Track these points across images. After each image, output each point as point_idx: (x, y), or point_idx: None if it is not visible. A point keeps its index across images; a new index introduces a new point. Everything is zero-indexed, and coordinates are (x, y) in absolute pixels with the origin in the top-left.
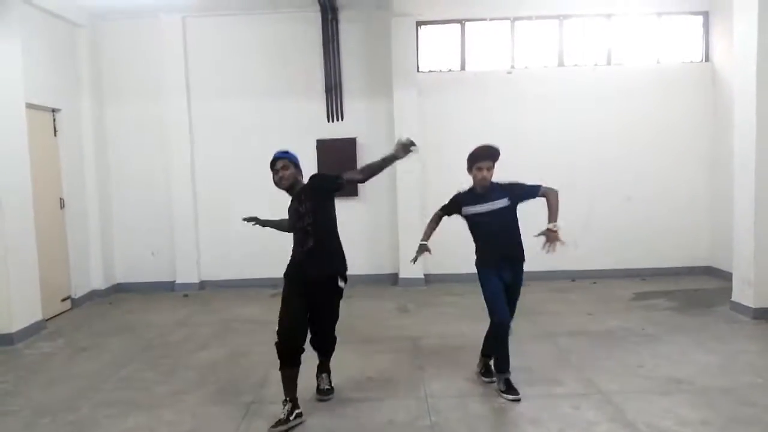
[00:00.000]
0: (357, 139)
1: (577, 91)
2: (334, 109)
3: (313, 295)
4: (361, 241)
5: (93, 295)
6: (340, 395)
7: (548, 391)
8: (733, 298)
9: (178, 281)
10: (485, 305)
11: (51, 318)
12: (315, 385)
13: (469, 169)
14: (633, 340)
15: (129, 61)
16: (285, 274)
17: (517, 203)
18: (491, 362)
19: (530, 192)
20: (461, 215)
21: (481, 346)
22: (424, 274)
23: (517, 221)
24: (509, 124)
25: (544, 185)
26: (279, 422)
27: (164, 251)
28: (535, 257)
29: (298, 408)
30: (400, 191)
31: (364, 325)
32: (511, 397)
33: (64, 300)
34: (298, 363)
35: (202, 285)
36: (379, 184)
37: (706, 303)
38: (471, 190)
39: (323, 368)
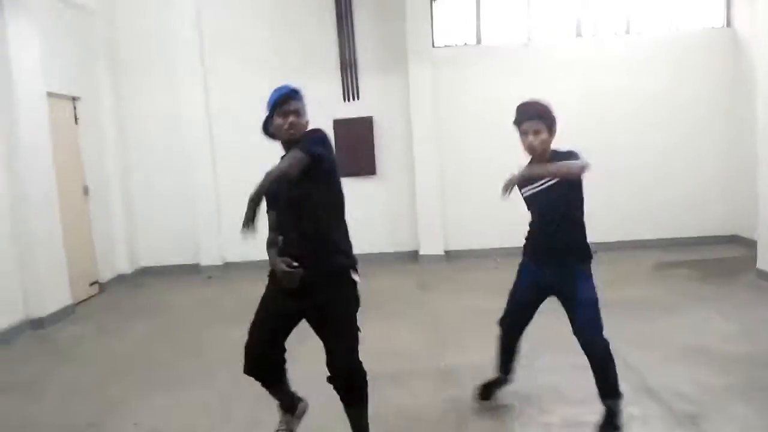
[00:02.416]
0: (373, 117)
1: (596, 61)
2: (350, 88)
3: (308, 298)
4: (380, 219)
5: (120, 279)
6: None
7: (571, 360)
8: (758, 266)
9: (202, 263)
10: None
11: (80, 302)
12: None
13: (519, 135)
14: (655, 310)
15: (144, 43)
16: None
17: (580, 192)
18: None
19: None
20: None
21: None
22: (444, 251)
23: (575, 207)
24: (527, 98)
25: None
26: None
27: (187, 234)
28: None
29: (297, 407)
30: (418, 168)
31: (384, 301)
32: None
33: (92, 284)
34: (276, 382)
35: (227, 266)
36: (396, 162)
37: (730, 272)
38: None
39: (354, 426)
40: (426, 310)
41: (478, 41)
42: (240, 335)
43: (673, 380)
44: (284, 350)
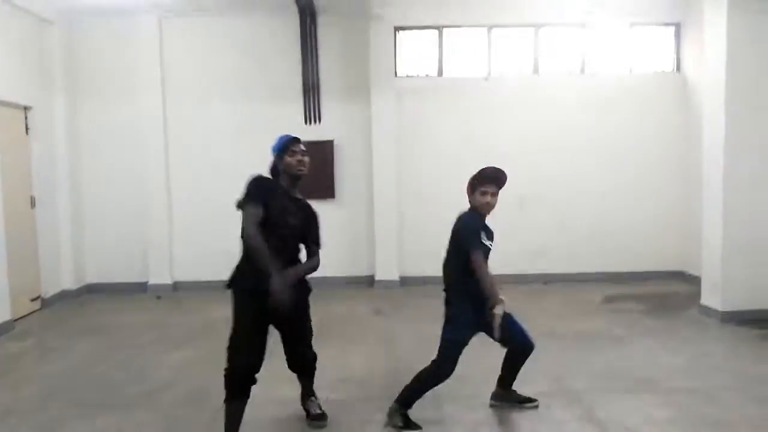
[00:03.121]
0: (334, 141)
1: (553, 99)
2: (312, 111)
3: (280, 317)
4: (337, 243)
5: (64, 295)
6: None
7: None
8: (701, 302)
9: (150, 282)
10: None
11: (20, 318)
12: (299, 410)
13: (471, 190)
14: (602, 343)
15: (104, 59)
16: (240, 287)
17: None
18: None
19: None
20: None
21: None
22: (400, 277)
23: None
24: (486, 131)
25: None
26: None
27: (137, 252)
28: (507, 261)
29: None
30: (377, 194)
31: (340, 327)
32: None
33: (33, 300)
34: (249, 395)
35: (176, 286)
36: (355, 186)
37: (675, 306)
38: (477, 217)
39: (309, 391)
40: (380, 336)
41: (440, 73)
42: (185, 357)
43: (619, 412)
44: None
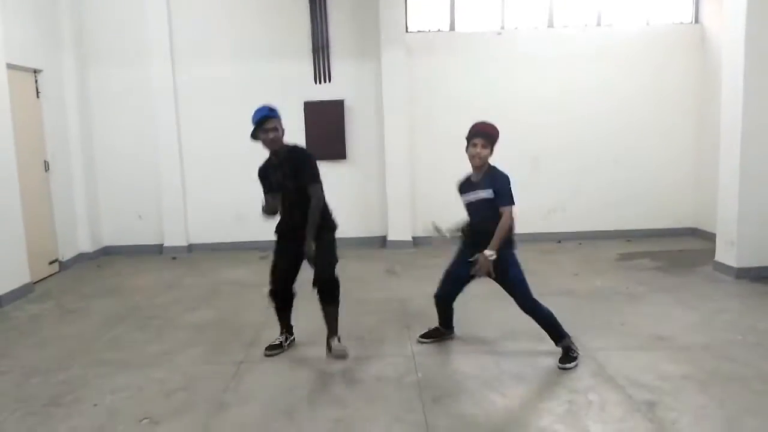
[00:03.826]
0: (345, 101)
1: (567, 52)
2: (322, 70)
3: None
4: (349, 204)
5: (81, 258)
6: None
7: (532, 348)
8: (716, 258)
9: (166, 244)
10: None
11: (39, 281)
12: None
13: (466, 146)
14: (617, 299)
15: (112, 21)
16: (275, 230)
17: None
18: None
19: (501, 199)
20: None
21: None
22: (413, 237)
23: (497, 215)
24: (498, 86)
25: (514, 206)
26: (273, 347)
27: (152, 214)
28: (522, 220)
29: (292, 335)
30: (389, 154)
31: (353, 287)
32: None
33: (51, 263)
34: (290, 306)
35: (191, 248)
36: (367, 146)
37: (689, 263)
38: (469, 174)
39: (332, 328)
40: (393, 295)
41: (452, 28)
42: (202, 317)
43: (632, 368)
44: (294, 283)
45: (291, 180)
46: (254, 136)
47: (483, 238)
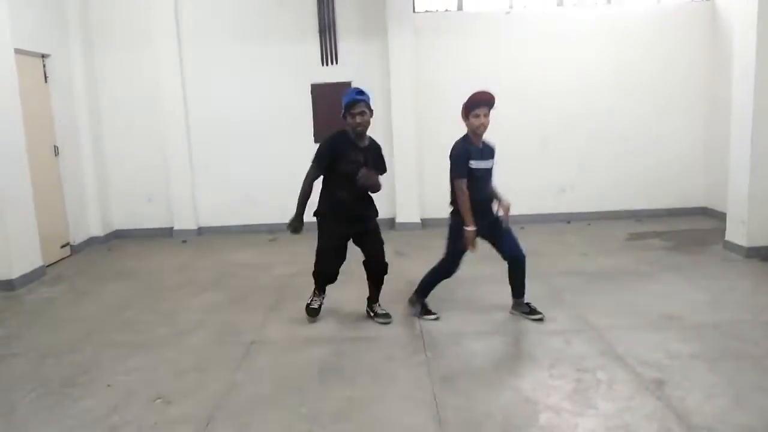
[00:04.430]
0: (352, 83)
1: (577, 31)
2: (329, 52)
3: (359, 228)
4: None
5: (92, 242)
6: (340, 333)
7: (541, 327)
8: (726, 238)
9: (176, 227)
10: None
11: (51, 264)
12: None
13: (465, 115)
14: (626, 279)
15: (119, 4)
16: (324, 214)
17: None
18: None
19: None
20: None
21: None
22: (421, 219)
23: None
24: (507, 66)
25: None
26: (315, 311)
27: (161, 197)
28: (530, 200)
29: (324, 293)
30: (396, 135)
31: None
32: (430, 317)
33: (63, 246)
34: (332, 281)
35: (200, 231)
36: (374, 128)
37: (699, 242)
38: (468, 141)
39: (374, 299)
40: (402, 276)
41: (460, 7)
42: (213, 299)
43: (640, 347)
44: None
45: (372, 169)
46: (344, 117)
47: (487, 205)
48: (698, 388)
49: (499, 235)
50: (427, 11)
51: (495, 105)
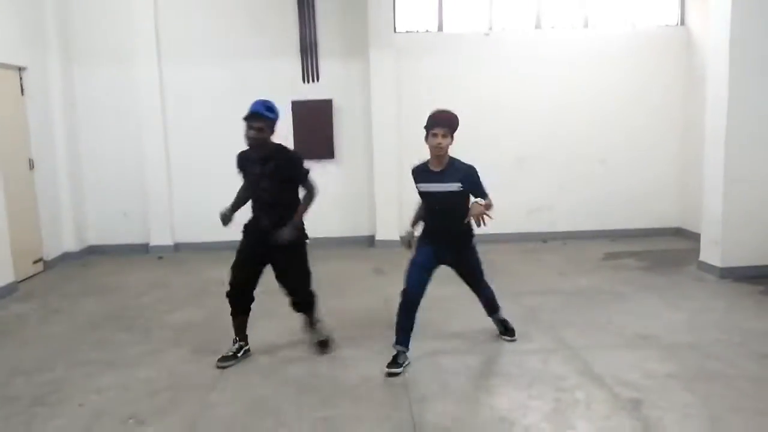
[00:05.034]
0: (333, 100)
1: (554, 54)
2: (310, 69)
3: (275, 257)
4: (337, 203)
5: (66, 257)
6: (317, 353)
7: (517, 346)
8: (700, 258)
9: (152, 243)
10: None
11: (23, 280)
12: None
13: (426, 135)
14: (602, 299)
15: (98, 18)
16: (243, 228)
17: (468, 193)
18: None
19: (481, 192)
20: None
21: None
22: (400, 236)
23: (465, 208)
24: (486, 86)
25: (490, 197)
26: (226, 357)
27: (137, 213)
28: (506, 219)
29: (247, 345)
30: (377, 153)
31: (340, 286)
32: (392, 370)
33: (36, 262)
34: (247, 311)
35: (177, 247)
36: (354, 146)
37: (674, 263)
38: (426, 163)
39: (311, 323)
40: (381, 294)
41: (440, 29)
42: (188, 316)
43: (618, 367)
44: (255, 288)
45: (267, 180)
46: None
47: (444, 230)
48: (675, 408)
49: (466, 273)
50: (408, 32)
51: (457, 127)
